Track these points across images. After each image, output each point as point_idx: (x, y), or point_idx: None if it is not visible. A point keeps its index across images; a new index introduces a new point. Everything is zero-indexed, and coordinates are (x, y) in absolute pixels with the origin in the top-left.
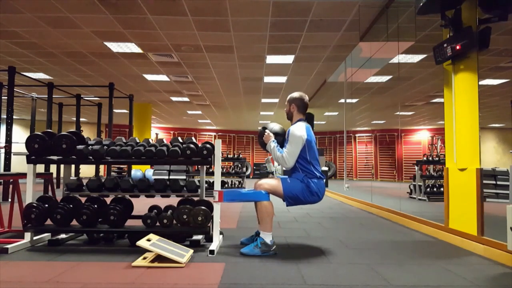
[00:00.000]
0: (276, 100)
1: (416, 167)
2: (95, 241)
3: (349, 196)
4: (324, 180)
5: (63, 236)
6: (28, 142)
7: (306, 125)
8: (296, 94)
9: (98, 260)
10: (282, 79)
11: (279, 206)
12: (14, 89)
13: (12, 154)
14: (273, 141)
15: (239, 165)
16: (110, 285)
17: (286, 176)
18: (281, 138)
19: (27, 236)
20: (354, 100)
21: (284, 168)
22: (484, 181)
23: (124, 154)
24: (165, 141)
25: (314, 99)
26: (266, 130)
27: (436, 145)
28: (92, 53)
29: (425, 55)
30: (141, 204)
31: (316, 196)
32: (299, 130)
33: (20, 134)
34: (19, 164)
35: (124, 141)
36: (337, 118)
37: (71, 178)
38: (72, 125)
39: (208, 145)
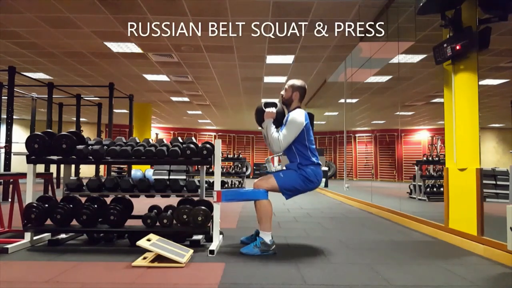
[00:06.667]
0: (276, 100)
1: (416, 167)
2: (95, 241)
3: (349, 196)
4: (322, 170)
5: (63, 236)
6: (28, 142)
7: (305, 112)
8: (299, 83)
9: (98, 260)
10: (282, 79)
11: (279, 206)
12: (14, 89)
13: (12, 154)
14: (273, 121)
15: (239, 165)
16: (110, 285)
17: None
18: (277, 122)
19: (27, 236)
20: (354, 100)
21: (274, 151)
22: (484, 181)
23: (124, 154)
24: (165, 141)
25: (314, 99)
26: (273, 109)
27: (436, 145)
28: (92, 53)
29: (425, 55)
30: (141, 204)
31: (313, 184)
32: (301, 116)
33: (20, 134)
34: (19, 164)
35: (124, 141)
36: (337, 118)
37: (71, 178)
38: (72, 125)
39: (208, 145)
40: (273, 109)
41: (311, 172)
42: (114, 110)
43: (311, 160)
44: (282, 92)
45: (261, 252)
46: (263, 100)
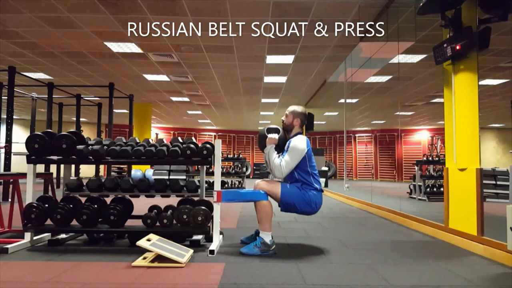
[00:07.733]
0: (276, 100)
1: (416, 167)
2: (95, 241)
3: (349, 196)
4: (322, 193)
5: (63, 236)
6: (28, 142)
7: (306, 138)
8: (300, 109)
9: (98, 260)
10: (282, 79)
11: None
12: (14, 89)
13: (12, 154)
14: (274, 146)
15: (239, 165)
16: (110, 285)
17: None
18: (279, 148)
19: (27, 236)
20: (354, 100)
21: (276, 177)
22: (484, 181)
23: (124, 154)
24: (165, 141)
25: (314, 99)
26: (275, 135)
27: (436, 145)
28: (92, 53)
29: (425, 55)
30: (141, 204)
31: (311, 208)
32: (302, 143)
33: (20, 134)
34: (19, 164)
35: (124, 141)
36: (337, 118)
37: (71, 178)
38: (72, 125)
39: (208, 145)
40: (276, 135)
41: (313, 196)
42: (114, 110)
43: (313, 186)
44: (283, 118)
45: (261, 252)
46: (266, 126)
